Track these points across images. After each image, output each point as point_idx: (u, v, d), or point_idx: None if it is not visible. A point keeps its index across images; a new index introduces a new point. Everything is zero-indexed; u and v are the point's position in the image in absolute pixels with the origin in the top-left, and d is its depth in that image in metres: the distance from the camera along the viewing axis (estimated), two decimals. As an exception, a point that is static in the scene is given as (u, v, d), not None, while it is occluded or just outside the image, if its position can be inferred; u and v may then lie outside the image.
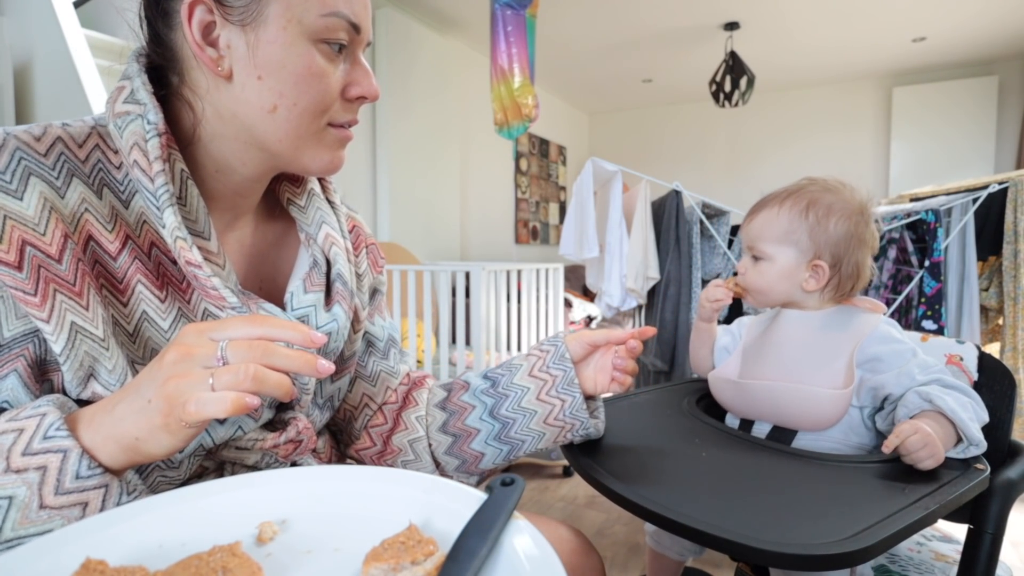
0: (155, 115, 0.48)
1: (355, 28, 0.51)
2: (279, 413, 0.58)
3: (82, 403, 0.46)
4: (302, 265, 0.61)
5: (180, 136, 0.53)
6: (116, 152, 0.50)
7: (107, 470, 0.40)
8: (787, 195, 0.82)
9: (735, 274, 0.89)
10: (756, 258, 0.83)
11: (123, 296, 0.49)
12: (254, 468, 0.55)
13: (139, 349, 0.49)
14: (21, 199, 0.44)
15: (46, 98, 2.82)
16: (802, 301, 0.82)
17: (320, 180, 0.66)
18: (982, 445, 0.66)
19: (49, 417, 0.40)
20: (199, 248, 0.50)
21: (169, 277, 0.51)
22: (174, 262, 0.51)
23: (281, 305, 0.58)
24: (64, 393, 0.46)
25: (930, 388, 0.70)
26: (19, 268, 0.42)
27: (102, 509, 0.39)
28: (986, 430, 0.77)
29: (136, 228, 0.50)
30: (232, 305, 0.51)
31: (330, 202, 0.65)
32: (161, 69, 0.52)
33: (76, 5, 2.79)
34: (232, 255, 0.58)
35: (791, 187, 0.84)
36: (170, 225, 0.48)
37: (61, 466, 0.38)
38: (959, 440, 0.66)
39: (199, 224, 0.51)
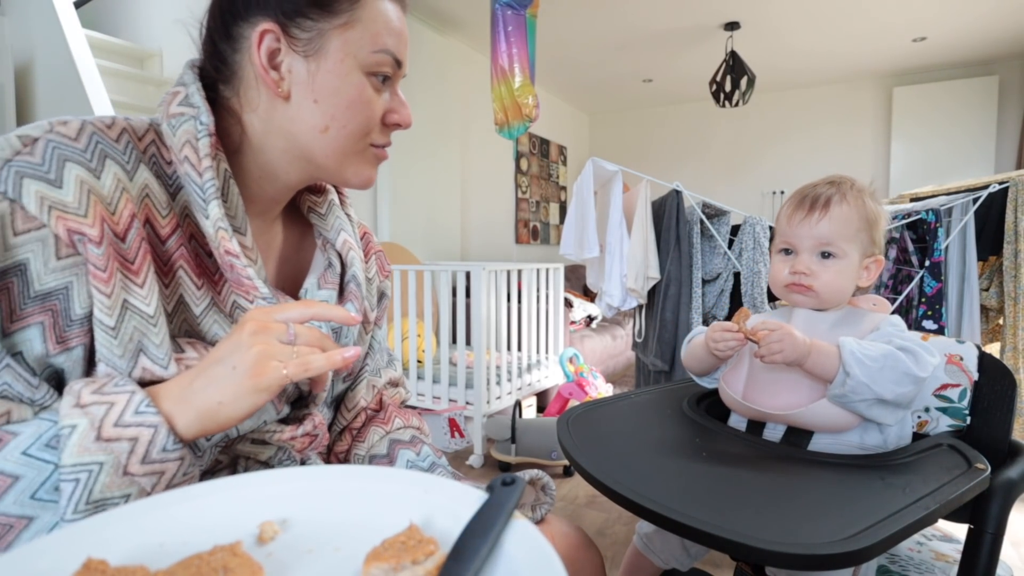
0: (207, 117, 0.52)
1: (398, 63, 0.58)
2: (295, 410, 0.60)
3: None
4: (317, 266, 0.66)
5: (225, 144, 0.57)
6: (168, 149, 0.54)
7: (182, 442, 0.44)
8: (843, 193, 0.81)
9: (736, 306, 0.89)
10: (825, 256, 0.81)
11: (166, 278, 0.52)
12: (267, 464, 0.57)
13: (175, 328, 0.53)
14: (99, 178, 0.47)
15: (47, 98, 2.83)
16: (843, 300, 0.83)
17: (339, 193, 0.71)
18: (855, 377, 0.69)
19: (139, 395, 0.44)
20: (237, 241, 0.54)
21: (204, 268, 0.55)
22: (209, 255, 0.55)
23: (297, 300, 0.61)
24: (90, 362, 0.48)
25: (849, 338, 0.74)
26: (99, 244, 0.46)
27: (172, 479, 0.44)
28: (986, 430, 0.78)
29: (180, 220, 0.54)
30: (263, 295, 0.55)
31: (347, 214, 0.70)
32: (212, 82, 0.57)
33: (77, 5, 2.79)
34: (262, 254, 0.62)
35: (839, 184, 0.82)
36: (213, 216, 0.51)
37: (152, 439, 0.42)
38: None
39: (237, 220, 0.55)
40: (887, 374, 0.69)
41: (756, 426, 0.82)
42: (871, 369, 0.69)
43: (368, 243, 0.75)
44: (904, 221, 2.07)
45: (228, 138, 0.57)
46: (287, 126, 0.56)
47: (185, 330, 0.53)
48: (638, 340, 2.41)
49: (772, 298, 2.09)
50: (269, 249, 0.64)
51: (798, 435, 0.77)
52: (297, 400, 0.61)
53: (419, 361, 2.75)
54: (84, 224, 0.45)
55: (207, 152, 0.52)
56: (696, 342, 0.90)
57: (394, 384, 0.79)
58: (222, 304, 0.56)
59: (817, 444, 0.76)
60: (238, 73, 0.56)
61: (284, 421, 0.59)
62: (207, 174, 0.51)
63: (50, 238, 0.45)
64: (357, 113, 0.56)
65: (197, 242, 0.55)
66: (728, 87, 3.73)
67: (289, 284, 0.66)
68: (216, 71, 0.57)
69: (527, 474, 0.65)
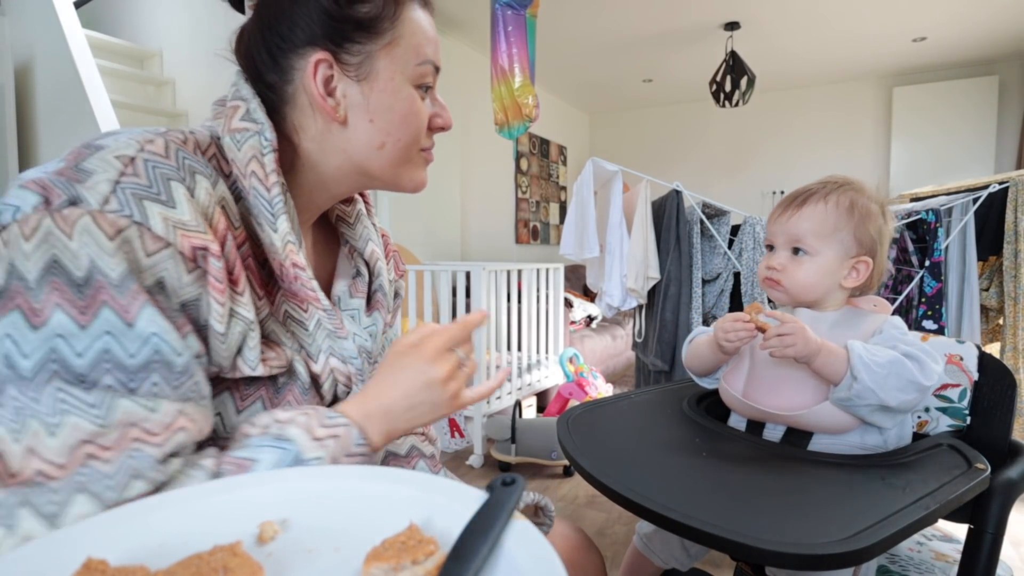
0: (271, 133, 0.53)
1: (437, 70, 0.61)
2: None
3: (218, 380, 0.53)
4: (343, 273, 0.68)
5: (280, 162, 0.58)
6: (227, 162, 0.54)
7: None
8: (827, 192, 0.81)
9: (738, 305, 0.88)
10: (796, 252, 0.82)
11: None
12: None
13: None
14: (194, 195, 0.48)
15: (47, 98, 2.83)
16: (827, 299, 0.82)
17: (366, 203, 0.72)
18: (862, 382, 0.68)
19: (353, 429, 0.50)
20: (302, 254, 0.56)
21: (259, 279, 0.56)
22: (262, 266, 0.56)
23: None
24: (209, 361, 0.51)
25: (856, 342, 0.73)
26: (219, 257, 0.47)
27: None
28: (986, 430, 0.78)
29: (246, 231, 0.55)
30: (324, 308, 0.58)
31: (372, 223, 0.72)
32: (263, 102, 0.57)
33: (77, 5, 2.79)
34: None
35: (826, 184, 0.83)
36: (282, 230, 0.53)
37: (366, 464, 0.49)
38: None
39: (294, 233, 0.57)
40: (892, 381, 0.68)
41: (756, 426, 0.82)
42: (878, 375, 0.68)
43: (386, 244, 0.76)
44: (904, 221, 2.07)
45: (281, 156, 0.58)
46: (343, 146, 0.58)
47: None
48: (638, 340, 2.41)
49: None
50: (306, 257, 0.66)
51: (798, 435, 0.77)
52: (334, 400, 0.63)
53: (419, 361, 2.75)
54: (207, 240, 0.47)
55: (273, 167, 0.53)
56: (699, 341, 0.90)
57: None
58: (276, 313, 0.57)
59: (817, 444, 0.76)
60: (289, 101, 0.56)
61: None
62: (275, 189, 0.52)
63: (177, 256, 0.45)
64: (410, 125, 0.58)
65: (252, 253, 0.56)
66: (728, 87, 3.73)
67: (323, 287, 0.67)
68: (265, 98, 0.57)
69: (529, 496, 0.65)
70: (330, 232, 0.70)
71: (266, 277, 0.56)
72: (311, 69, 0.54)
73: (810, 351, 0.72)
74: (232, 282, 0.50)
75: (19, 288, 0.41)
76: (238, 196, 0.54)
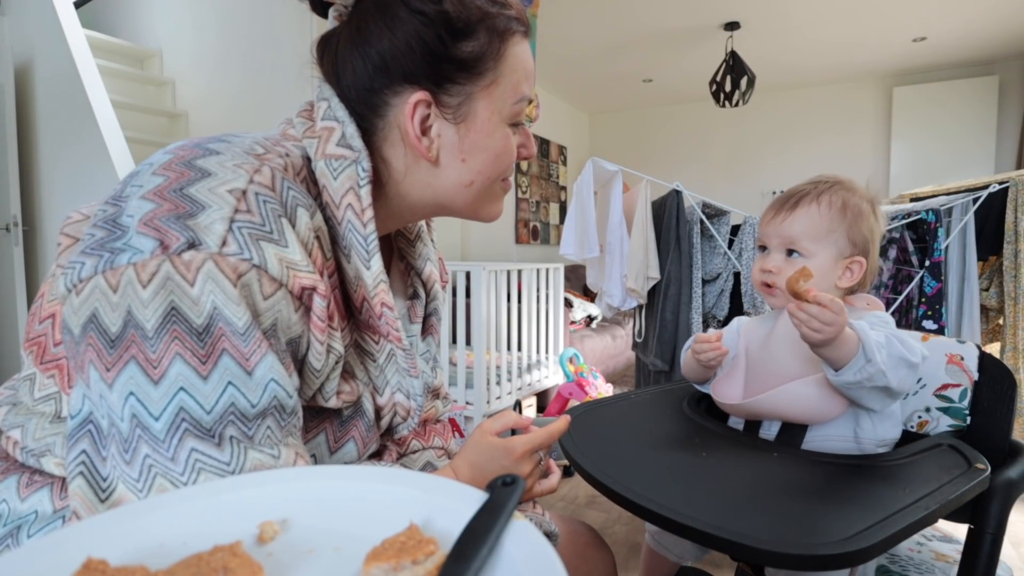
0: (367, 163, 0.51)
1: (530, 101, 0.58)
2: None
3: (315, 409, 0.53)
4: (397, 291, 0.66)
5: None
6: (316, 184, 0.51)
7: None
8: (819, 192, 0.81)
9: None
10: (791, 254, 0.82)
11: None
12: None
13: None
14: (295, 227, 0.46)
15: (47, 98, 2.83)
16: None
17: (427, 221, 0.70)
18: (876, 364, 0.67)
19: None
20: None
21: (341, 309, 0.54)
22: (344, 297, 0.54)
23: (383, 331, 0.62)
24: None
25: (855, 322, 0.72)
26: (324, 296, 0.46)
27: None
28: (986, 430, 0.78)
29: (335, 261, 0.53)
30: (405, 347, 0.56)
31: (432, 241, 0.70)
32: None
33: (77, 5, 2.79)
34: None
35: (817, 185, 0.83)
36: (375, 269, 0.51)
37: None
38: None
39: (384, 271, 0.55)
40: (891, 361, 0.69)
41: (753, 425, 0.82)
42: (884, 355, 0.69)
43: (441, 264, 0.74)
44: (904, 221, 2.07)
45: None
46: (429, 181, 0.56)
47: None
48: (638, 340, 2.41)
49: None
50: None
51: (793, 430, 0.78)
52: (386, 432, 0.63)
53: (419, 361, 2.75)
54: (315, 280, 0.46)
55: (369, 202, 0.50)
56: (689, 352, 0.91)
57: (434, 394, 0.75)
58: (350, 344, 0.56)
59: (812, 437, 0.76)
60: (378, 133, 0.54)
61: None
62: (370, 226, 0.50)
63: (288, 295, 0.45)
64: (501, 163, 0.57)
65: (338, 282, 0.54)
66: (728, 87, 3.72)
67: None
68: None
69: (532, 518, 0.65)
70: (384, 243, 0.67)
71: (345, 306, 0.55)
72: (409, 109, 0.52)
73: (839, 335, 0.69)
74: (328, 316, 0.48)
75: (135, 337, 0.39)
76: (327, 222, 0.51)
